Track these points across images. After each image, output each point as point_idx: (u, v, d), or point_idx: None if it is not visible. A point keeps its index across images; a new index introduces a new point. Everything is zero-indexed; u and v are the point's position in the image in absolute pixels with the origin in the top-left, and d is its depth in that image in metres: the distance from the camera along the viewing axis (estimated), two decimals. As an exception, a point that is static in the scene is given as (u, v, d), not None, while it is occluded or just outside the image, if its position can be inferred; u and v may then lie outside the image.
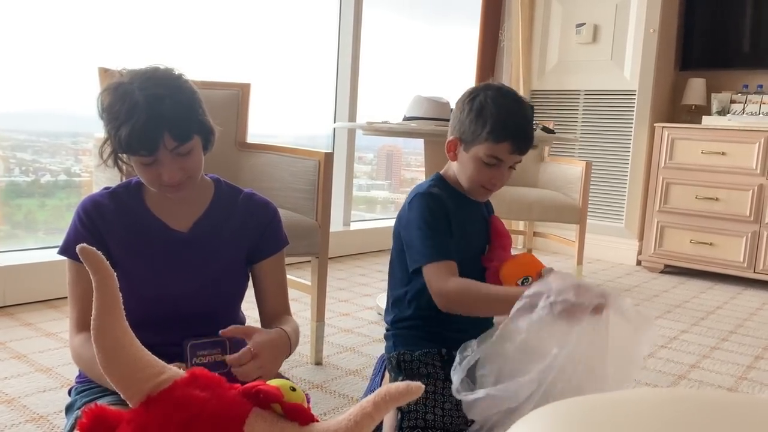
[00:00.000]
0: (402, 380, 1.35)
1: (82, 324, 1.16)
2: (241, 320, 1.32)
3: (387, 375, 1.48)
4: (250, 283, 1.33)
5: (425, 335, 1.42)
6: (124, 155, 1.15)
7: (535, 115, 2.63)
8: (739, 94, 3.91)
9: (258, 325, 1.27)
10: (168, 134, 1.10)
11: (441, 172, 1.49)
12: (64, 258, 1.19)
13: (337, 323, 2.52)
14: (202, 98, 1.18)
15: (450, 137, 1.42)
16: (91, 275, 0.80)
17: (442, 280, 1.31)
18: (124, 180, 1.27)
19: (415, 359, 1.38)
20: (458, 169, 1.42)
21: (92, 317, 0.79)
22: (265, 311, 1.30)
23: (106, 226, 1.18)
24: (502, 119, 1.32)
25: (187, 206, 1.24)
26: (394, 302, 1.48)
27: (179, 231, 1.22)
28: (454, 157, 1.42)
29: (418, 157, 4.46)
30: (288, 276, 2.26)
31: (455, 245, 1.37)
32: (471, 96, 1.39)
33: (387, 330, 1.50)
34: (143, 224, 1.21)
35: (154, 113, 1.08)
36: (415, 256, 1.35)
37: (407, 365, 1.39)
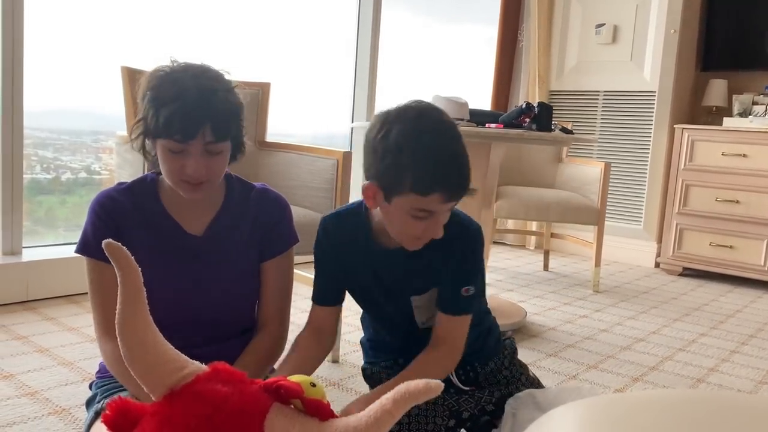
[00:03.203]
0: None
1: (108, 330, 1.13)
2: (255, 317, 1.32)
3: None
4: None
5: (380, 346, 1.39)
6: (152, 140, 1.12)
7: (553, 115, 2.62)
8: (761, 96, 3.86)
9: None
10: (209, 126, 1.08)
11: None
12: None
13: (354, 321, 2.52)
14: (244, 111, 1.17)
15: (365, 182, 1.12)
16: (116, 270, 0.82)
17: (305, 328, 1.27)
18: (147, 171, 1.24)
19: (376, 372, 1.36)
20: (383, 217, 1.14)
21: (117, 311, 0.81)
22: (260, 312, 1.27)
23: (122, 223, 1.15)
24: (427, 165, 1.04)
25: (201, 207, 1.21)
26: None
27: (193, 235, 1.20)
28: (375, 205, 1.13)
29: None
30: (305, 274, 2.27)
31: (352, 286, 1.27)
32: (382, 131, 1.08)
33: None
34: (158, 224, 1.18)
35: (202, 101, 1.07)
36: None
37: (369, 378, 1.38)
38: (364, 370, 1.41)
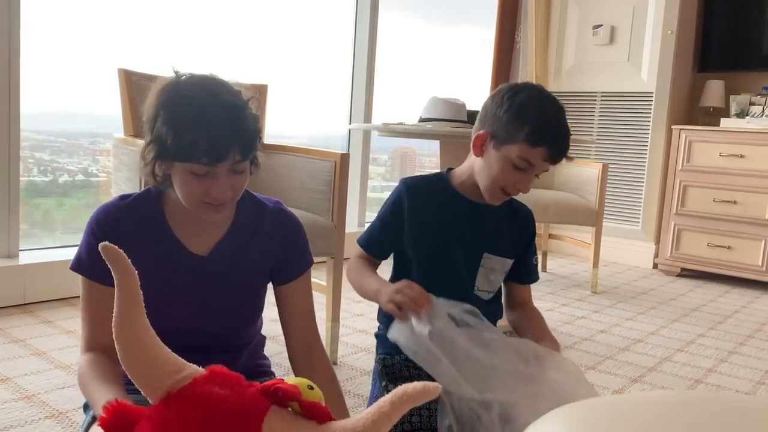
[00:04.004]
0: (385, 385, 1.37)
1: (91, 345, 1.10)
2: (258, 327, 1.29)
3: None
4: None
5: None
6: (166, 162, 1.05)
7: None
8: (759, 96, 3.87)
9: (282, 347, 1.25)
10: (238, 147, 1.02)
11: (451, 170, 1.46)
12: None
13: (352, 324, 2.52)
14: None
15: (480, 131, 1.33)
16: (113, 273, 0.81)
17: (352, 260, 1.43)
18: (144, 186, 1.18)
19: (396, 363, 1.38)
20: (480, 166, 1.33)
21: (114, 314, 0.80)
22: (294, 338, 1.24)
23: (120, 242, 1.04)
24: (543, 123, 1.26)
25: (208, 226, 1.16)
26: None
27: (198, 255, 1.14)
28: (481, 153, 1.33)
29: (433, 158, 4.46)
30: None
31: (427, 240, 1.38)
32: (512, 92, 1.30)
33: (378, 329, 1.52)
34: (160, 242, 1.13)
35: (231, 122, 1.01)
36: (365, 231, 1.44)
37: (389, 369, 1.38)
38: (383, 359, 1.40)
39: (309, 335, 1.25)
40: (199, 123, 1.00)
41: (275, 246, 1.20)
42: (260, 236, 1.19)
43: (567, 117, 1.32)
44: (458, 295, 1.36)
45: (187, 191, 1.06)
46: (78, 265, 1.12)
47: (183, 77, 1.06)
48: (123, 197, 1.15)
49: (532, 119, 1.25)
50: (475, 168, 1.35)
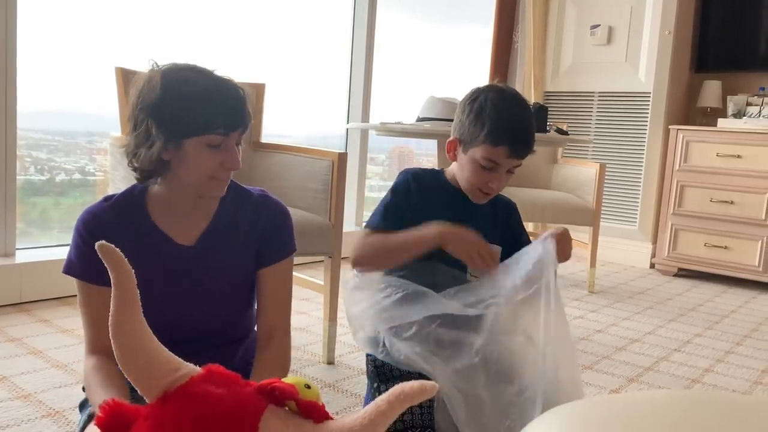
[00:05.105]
0: (377, 387, 1.38)
1: (94, 347, 1.12)
2: (251, 321, 1.30)
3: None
4: None
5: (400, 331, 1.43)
6: (178, 143, 1.08)
7: (548, 116, 2.63)
8: (756, 97, 3.87)
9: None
10: (244, 117, 1.11)
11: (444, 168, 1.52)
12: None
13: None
14: None
15: (451, 137, 1.42)
16: (109, 272, 0.81)
17: (361, 238, 1.35)
18: (138, 182, 1.20)
19: (387, 363, 1.38)
20: (457, 170, 1.43)
21: (110, 313, 0.80)
22: (262, 323, 1.24)
23: (109, 241, 1.03)
24: (500, 122, 1.31)
25: (193, 216, 1.18)
26: None
27: (184, 245, 1.16)
28: (454, 157, 1.42)
29: (431, 158, 4.46)
30: (301, 275, 2.27)
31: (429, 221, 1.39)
32: (472, 97, 1.38)
33: None
34: (147, 238, 1.15)
35: (234, 92, 1.09)
36: (370, 218, 1.40)
37: (380, 370, 1.39)
38: (374, 360, 1.40)
39: (275, 320, 1.23)
40: (212, 96, 1.07)
41: (258, 229, 1.22)
42: (244, 222, 1.21)
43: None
44: (453, 280, 1.39)
45: (201, 166, 1.10)
46: (69, 269, 1.14)
47: (165, 66, 1.10)
48: (106, 198, 1.18)
49: (489, 120, 1.31)
50: (455, 170, 1.44)
